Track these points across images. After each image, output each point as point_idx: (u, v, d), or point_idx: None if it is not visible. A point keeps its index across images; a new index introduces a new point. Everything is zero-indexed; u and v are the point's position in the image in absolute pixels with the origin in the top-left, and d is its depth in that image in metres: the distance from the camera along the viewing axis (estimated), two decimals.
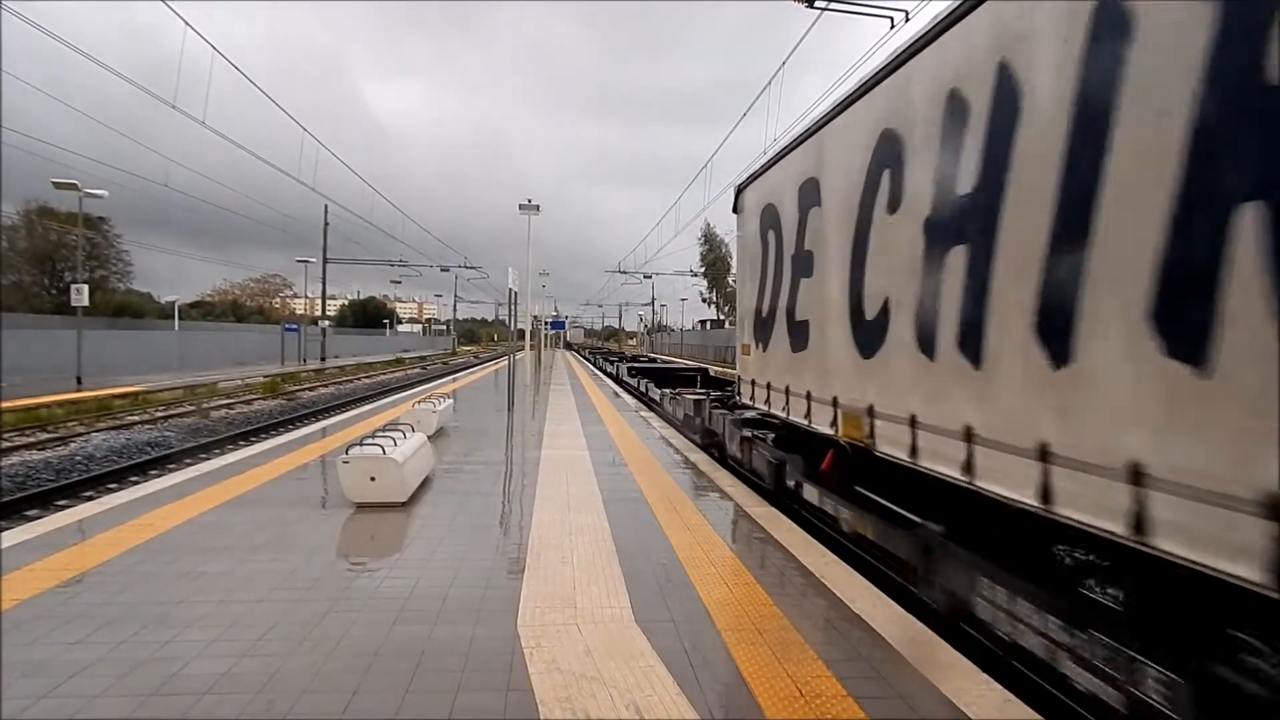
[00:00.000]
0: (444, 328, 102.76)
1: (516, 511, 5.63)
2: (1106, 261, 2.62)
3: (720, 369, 25.09)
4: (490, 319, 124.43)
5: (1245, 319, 2.05)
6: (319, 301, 47.29)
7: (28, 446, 12.32)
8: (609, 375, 27.22)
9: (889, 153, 4.48)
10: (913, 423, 4.11)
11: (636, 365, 24.82)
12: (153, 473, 10.26)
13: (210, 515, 5.22)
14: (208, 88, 12.68)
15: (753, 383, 7.62)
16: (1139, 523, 2.42)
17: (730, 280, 55.49)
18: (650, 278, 54.63)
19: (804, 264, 6.00)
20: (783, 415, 6.48)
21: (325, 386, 28.18)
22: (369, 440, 5.88)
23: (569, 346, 72.58)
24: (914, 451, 4.11)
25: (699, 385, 17.07)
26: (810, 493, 5.73)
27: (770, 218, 7.03)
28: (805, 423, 5.82)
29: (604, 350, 64.60)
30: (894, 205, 4.41)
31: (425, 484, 6.41)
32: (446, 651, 3.00)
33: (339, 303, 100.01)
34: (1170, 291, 2.32)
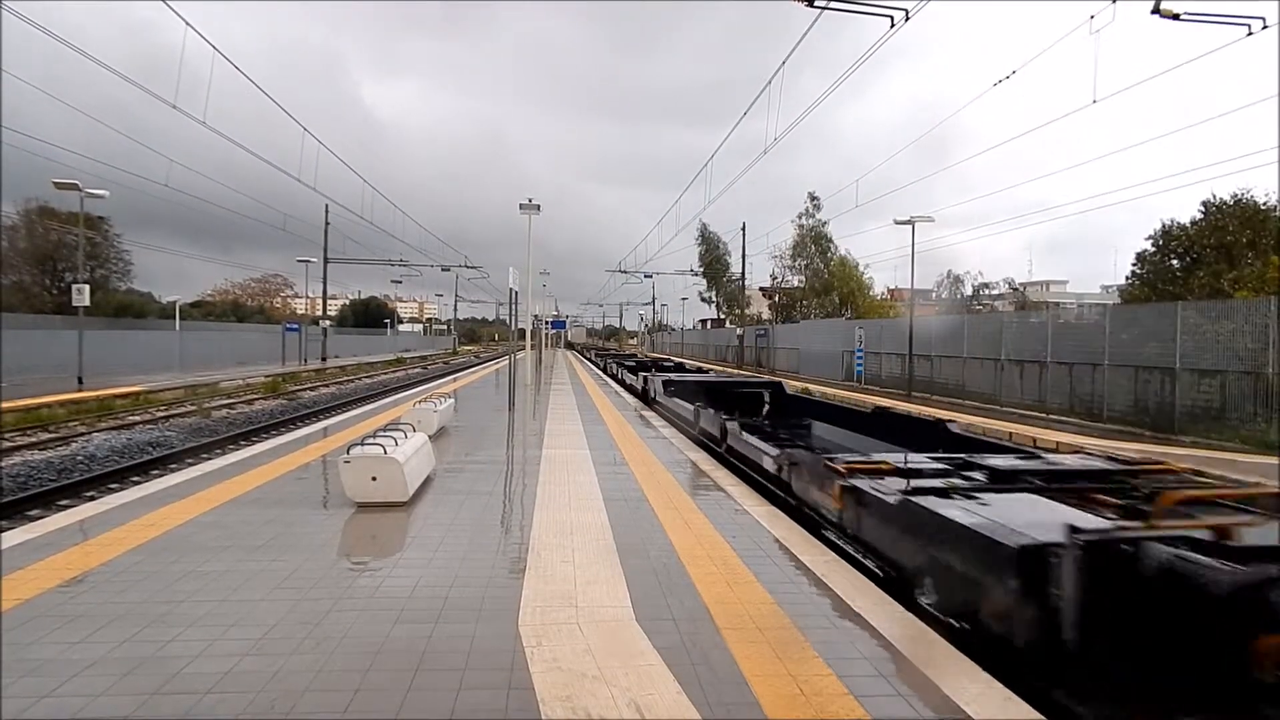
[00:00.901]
0: (445, 327, 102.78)
1: (517, 511, 5.63)
2: None
3: (750, 373, 21.50)
4: (491, 319, 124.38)
5: None
6: (320, 301, 47.29)
7: (29, 446, 12.34)
8: (628, 389, 19.11)
9: None
10: None
11: (676, 378, 15.99)
12: (154, 472, 10.28)
13: (212, 515, 5.22)
14: (208, 87, 12.68)
15: None
16: None
17: (729, 279, 55.24)
18: (650, 277, 54.52)
19: None
20: None
21: (326, 386, 28.20)
22: (370, 440, 5.89)
23: (570, 346, 72.63)
24: None
25: (767, 410, 12.25)
26: None
27: None
28: None
29: (614, 352, 53.90)
30: None
31: (426, 483, 6.42)
32: (448, 650, 3.00)
33: (340, 302, 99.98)
34: None
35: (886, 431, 8.37)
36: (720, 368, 34.49)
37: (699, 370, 23.25)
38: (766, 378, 18.12)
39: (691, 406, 11.15)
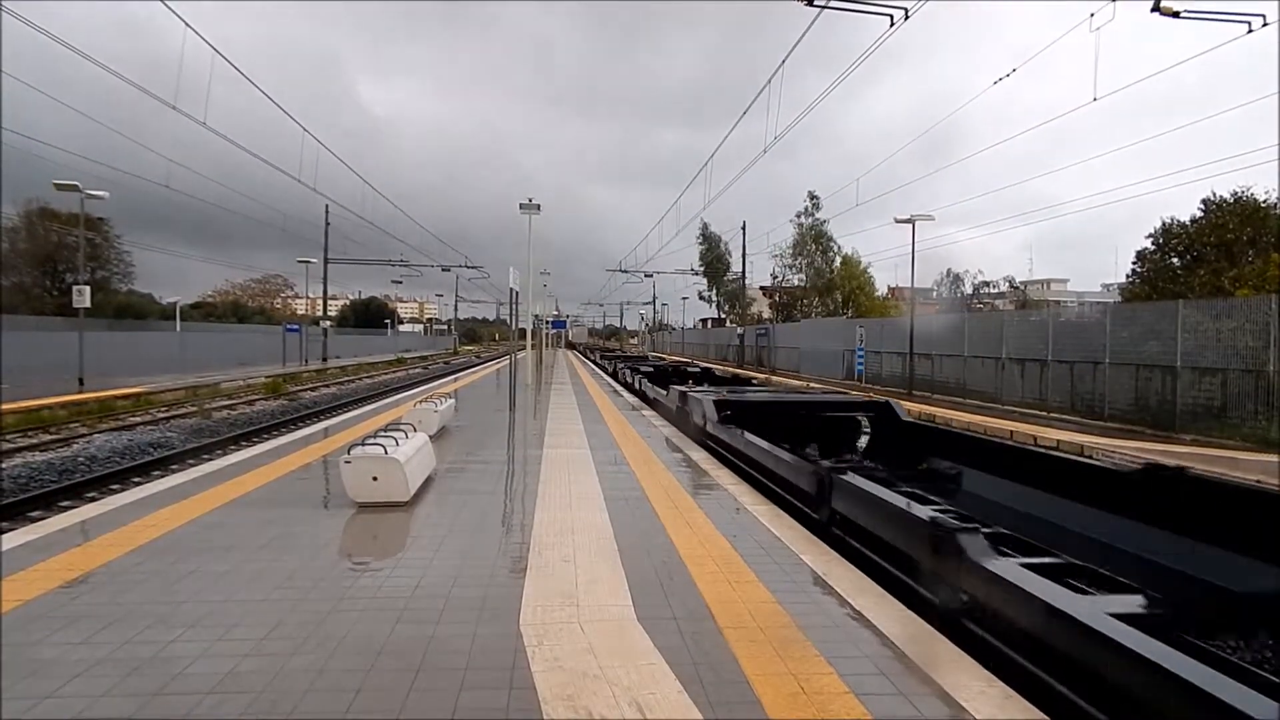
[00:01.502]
0: (445, 327, 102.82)
1: (518, 510, 5.63)
2: None
3: (828, 386, 17.39)
4: (491, 319, 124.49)
5: None
6: (320, 301, 47.32)
7: (30, 448, 12.34)
8: (650, 404, 14.73)
9: None
10: None
11: (732, 397, 10.49)
12: (155, 473, 10.28)
13: (213, 515, 5.22)
14: (208, 88, 12.68)
15: None
16: None
17: (730, 279, 55.28)
18: (651, 276, 54.54)
19: None
20: None
21: (327, 387, 28.22)
22: (371, 440, 5.89)
23: (572, 346, 72.72)
24: None
25: (866, 443, 8.78)
26: None
27: None
28: None
29: (621, 353, 48.61)
30: None
31: (427, 483, 6.42)
32: (449, 650, 3.00)
33: (340, 303, 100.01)
34: None
35: (1176, 513, 4.71)
36: (728, 368, 32.72)
37: (737, 379, 17.40)
38: (860, 395, 11.57)
39: (806, 464, 6.05)
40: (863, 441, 8.91)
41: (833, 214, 52.78)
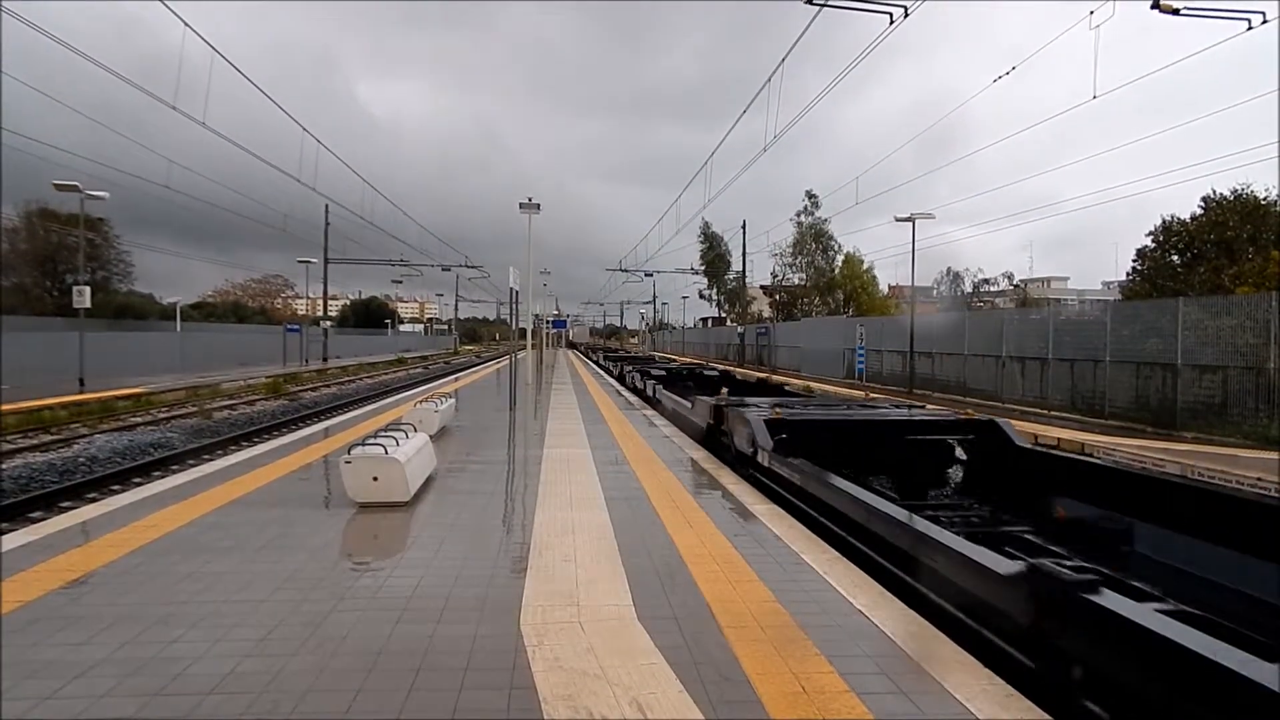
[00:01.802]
0: (445, 327, 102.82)
1: (519, 510, 5.64)
2: None
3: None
4: (492, 318, 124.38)
5: None
6: (320, 302, 47.33)
7: (31, 448, 12.35)
8: (669, 416, 12.31)
9: None
10: None
11: (789, 414, 7.45)
12: (156, 474, 10.29)
13: (214, 516, 5.23)
14: (207, 88, 12.67)
15: None
16: None
17: (730, 277, 55.24)
18: (651, 275, 54.51)
19: None
20: None
21: (327, 387, 28.23)
22: (371, 440, 5.89)
23: (573, 346, 72.78)
24: None
25: (962, 474, 7.00)
26: None
27: None
28: None
29: (624, 353, 46.61)
30: None
31: (428, 483, 6.42)
32: (449, 650, 3.00)
33: (340, 303, 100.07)
34: None
35: None
36: (748, 371, 28.01)
37: (764, 384, 15.12)
38: (952, 412, 8.28)
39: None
40: (956, 474, 6.99)
41: (833, 212, 52.69)
